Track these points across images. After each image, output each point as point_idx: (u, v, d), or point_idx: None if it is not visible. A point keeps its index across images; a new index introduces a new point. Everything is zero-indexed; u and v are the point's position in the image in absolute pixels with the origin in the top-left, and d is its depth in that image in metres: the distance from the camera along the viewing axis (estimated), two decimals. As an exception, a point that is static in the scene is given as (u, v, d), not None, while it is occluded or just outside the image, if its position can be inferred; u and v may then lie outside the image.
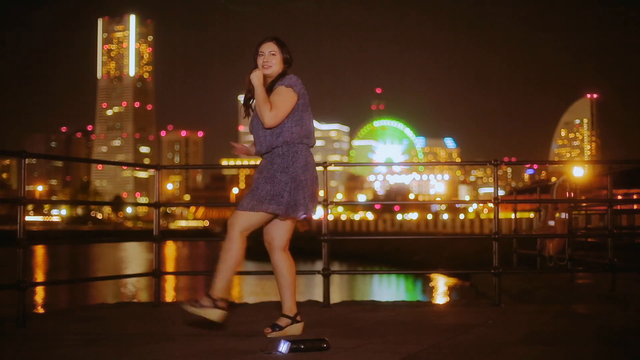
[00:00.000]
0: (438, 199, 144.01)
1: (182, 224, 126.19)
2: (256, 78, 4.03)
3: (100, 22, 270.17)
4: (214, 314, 3.88)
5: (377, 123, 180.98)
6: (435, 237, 35.17)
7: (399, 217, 68.44)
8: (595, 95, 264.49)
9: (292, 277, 4.11)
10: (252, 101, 4.19)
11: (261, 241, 4.22)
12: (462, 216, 65.93)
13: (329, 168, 6.06)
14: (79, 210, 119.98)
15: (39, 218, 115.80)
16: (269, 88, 4.09)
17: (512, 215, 12.04)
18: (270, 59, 4.10)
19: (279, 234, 4.13)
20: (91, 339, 4.10)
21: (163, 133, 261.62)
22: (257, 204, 3.92)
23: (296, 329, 4.09)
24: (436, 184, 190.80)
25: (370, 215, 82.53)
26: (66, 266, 34.60)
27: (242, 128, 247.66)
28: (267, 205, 3.92)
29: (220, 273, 3.93)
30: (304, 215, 4.00)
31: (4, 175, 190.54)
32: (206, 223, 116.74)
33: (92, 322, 4.85)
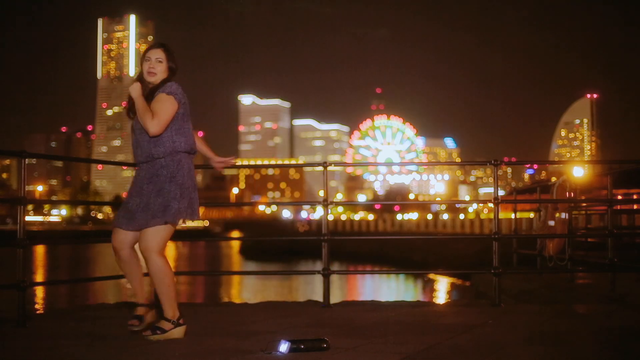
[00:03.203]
0: (438, 199, 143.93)
1: (181, 224, 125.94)
2: (134, 90, 4.05)
3: (100, 22, 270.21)
4: (179, 332, 4.04)
5: (377, 122, 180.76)
6: (435, 237, 35.10)
7: (399, 217, 68.33)
8: (595, 95, 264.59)
9: (171, 280, 4.07)
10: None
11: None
12: (462, 216, 65.75)
13: (329, 168, 6.05)
14: (79, 210, 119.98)
15: (39, 218, 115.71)
16: (150, 94, 4.08)
17: (512, 215, 12.02)
18: (157, 65, 4.11)
19: (151, 239, 4.02)
20: (91, 338, 4.10)
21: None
22: (151, 219, 3.97)
23: (179, 332, 4.04)
24: (436, 184, 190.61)
25: (370, 216, 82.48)
26: (66, 266, 34.61)
27: (243, 128, 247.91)
28: (161, 219, 3.97)
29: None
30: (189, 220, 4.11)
31: (4, 175, 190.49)
32: (206, 223, 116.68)
33: (92, 322, 4.84)
